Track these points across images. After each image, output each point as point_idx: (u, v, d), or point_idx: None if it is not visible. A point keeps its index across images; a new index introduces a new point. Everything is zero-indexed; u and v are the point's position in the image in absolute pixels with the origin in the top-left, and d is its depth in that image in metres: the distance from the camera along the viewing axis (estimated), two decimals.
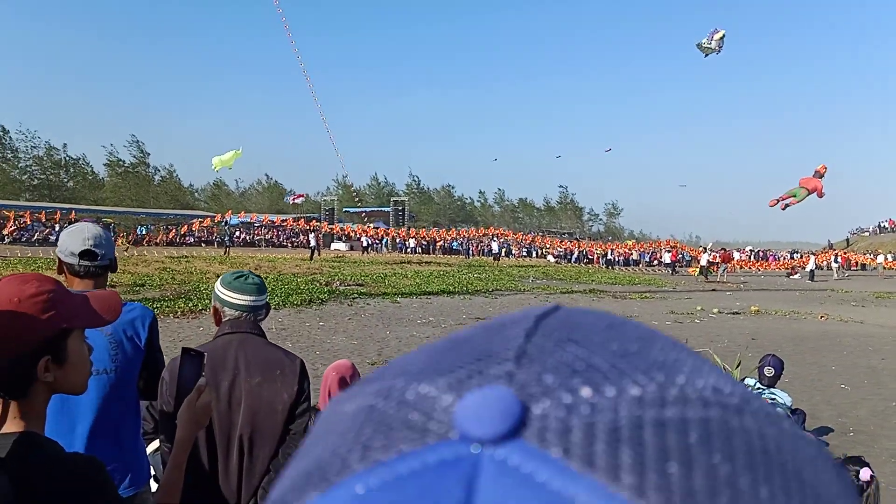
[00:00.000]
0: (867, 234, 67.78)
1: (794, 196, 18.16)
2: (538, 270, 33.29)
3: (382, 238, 47.06)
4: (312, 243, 37.16)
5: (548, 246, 51.54)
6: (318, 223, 53.32)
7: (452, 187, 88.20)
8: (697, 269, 35.99)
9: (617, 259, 47.11)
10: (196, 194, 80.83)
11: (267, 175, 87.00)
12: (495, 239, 48.73)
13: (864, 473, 3.25)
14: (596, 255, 48.40)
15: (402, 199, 61.09)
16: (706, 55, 22.03)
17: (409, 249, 49.05)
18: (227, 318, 2.42)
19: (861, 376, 10.30)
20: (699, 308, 19.02)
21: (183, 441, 1.66)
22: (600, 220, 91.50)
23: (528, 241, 52.77)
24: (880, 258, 46.38)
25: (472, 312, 16.35)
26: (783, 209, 18.63)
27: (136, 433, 2.42)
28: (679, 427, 0.21)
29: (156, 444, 2.70)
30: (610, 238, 71.69)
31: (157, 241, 42.56)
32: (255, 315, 2.44)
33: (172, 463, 1.64)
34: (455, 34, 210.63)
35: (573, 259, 47.93)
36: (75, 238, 2.39)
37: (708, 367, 0.26)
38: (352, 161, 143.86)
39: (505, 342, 0.26)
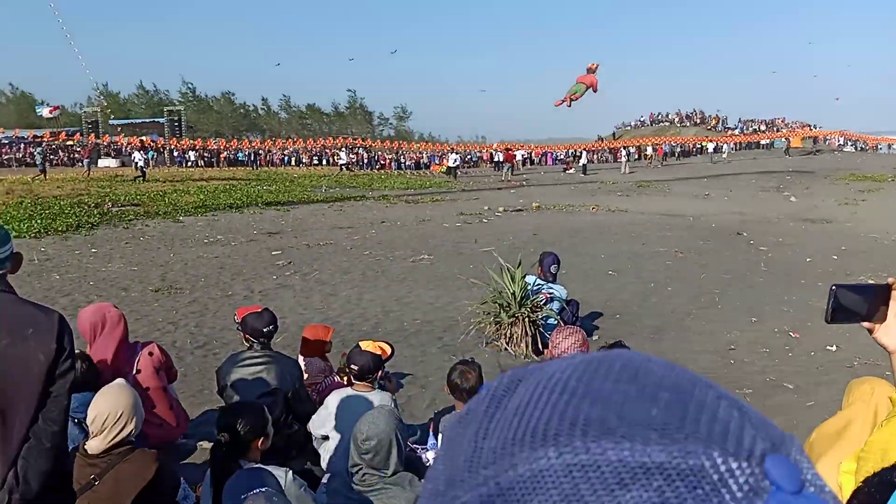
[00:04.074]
0: (629, 127, 74.68)
1: (577, 92, 19.18)
2: (330, 179, 32.81)
3: (149, 151, 41.65)
4: (38, 160, 30.72)
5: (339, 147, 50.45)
6: (83, 137, 47.78)
7: (233, 94, 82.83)
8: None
9: (409, 164, 47.76)
10: None
11: (11, 84, 75.81)
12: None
13: None
14: (388, 160, 48.59)
15: (177, 108, 55.86)
16: None
17: (189, 163, 45.75)
18: None
19: (625, 262, 11.52)
20: (486, 208, 19.99)
21: None
22: (390, 124, 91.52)
23: (318, 147, 51.39)
24: (649, 149, 50.61)
25: (263, 227, 15.80)
26: (569, 106, 19.60)
27: None
28: None
29: None
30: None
31: None
32: None
33: None
34: None
35: (365, 165, 47.64)
36: None
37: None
38: (113, 67, 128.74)
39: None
